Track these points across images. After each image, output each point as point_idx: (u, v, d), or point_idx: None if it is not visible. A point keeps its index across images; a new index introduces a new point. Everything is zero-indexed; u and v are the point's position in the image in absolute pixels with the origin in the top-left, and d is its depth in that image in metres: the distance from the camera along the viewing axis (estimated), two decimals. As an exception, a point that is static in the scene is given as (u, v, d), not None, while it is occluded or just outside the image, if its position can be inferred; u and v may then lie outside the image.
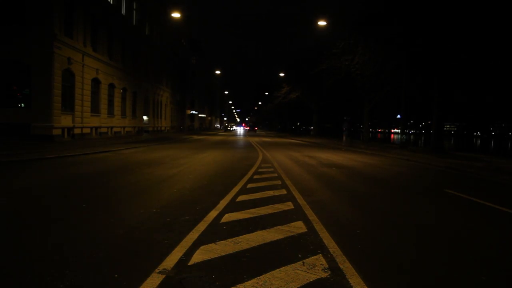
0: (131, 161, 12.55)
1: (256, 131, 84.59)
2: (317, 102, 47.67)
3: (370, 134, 54.37)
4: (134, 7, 33.87)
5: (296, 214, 5.65)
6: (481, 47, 20.08)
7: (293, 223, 5.07)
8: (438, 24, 20.24)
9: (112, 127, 28.63)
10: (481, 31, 19.26)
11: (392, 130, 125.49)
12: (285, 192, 7.40)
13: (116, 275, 3.20)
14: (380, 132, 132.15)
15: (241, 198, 6.68)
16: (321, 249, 4.07)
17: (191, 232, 4.48)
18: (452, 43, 20.35)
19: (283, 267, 3.49)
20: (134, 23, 33.92)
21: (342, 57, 27.63)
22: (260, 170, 11.05)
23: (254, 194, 7.08)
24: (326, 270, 3.47)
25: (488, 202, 7.45)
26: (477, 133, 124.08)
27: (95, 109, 25.28)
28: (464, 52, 20.63)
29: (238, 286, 3.07)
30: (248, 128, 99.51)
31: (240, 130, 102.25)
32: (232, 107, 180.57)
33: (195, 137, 38.06)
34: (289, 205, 6.20)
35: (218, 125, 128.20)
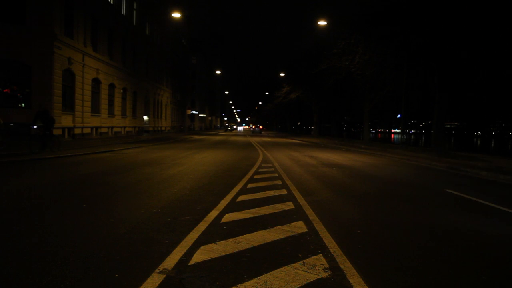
0: (131, 161, 12.55)
1: (262, 130, 79.72)
2: (318, 102, 47.67)
3: (371, 134, 54.41)
4: (135, 7, 33.87)
5: (297, 214, 5.64)
6: (482, 45, 20.07)
7: (294, 223, 5.06)
8: (439, 22, 20.22)
9: (112, 127, 28.65)
10: (482, 29, 19.24)
11: (393, 130, 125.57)
12: (286, 192, 7.40)
13: (116, 275, 3.20)
14: (381, 132, 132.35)
15: (241, 198, 6.68)
16: (322, 249, 4.07)
17: (191, 232, 4.48)
18: (453, 41, 20.34)
19: (284, 267, 3.48)
20: (134, 23, 33.91)
21: (343, 57, 27.58)
22: (260, 170, 11.05)
23: (255, 194, 7.08)
24: (326, 270, 3.47)
25: (488, 202, 7.45)
26: (477, 133, 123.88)
27: (95, 109, 25.30)
28: (465, 50, 20.62)
29: (238, 286, 3.06)
30: (254, 127, 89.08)
31: (241, 129, 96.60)
32: (233, 107, 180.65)
33: (196, 137, 38.07)
34: (289, 205, 6.19)
35: (219, 125, 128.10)
